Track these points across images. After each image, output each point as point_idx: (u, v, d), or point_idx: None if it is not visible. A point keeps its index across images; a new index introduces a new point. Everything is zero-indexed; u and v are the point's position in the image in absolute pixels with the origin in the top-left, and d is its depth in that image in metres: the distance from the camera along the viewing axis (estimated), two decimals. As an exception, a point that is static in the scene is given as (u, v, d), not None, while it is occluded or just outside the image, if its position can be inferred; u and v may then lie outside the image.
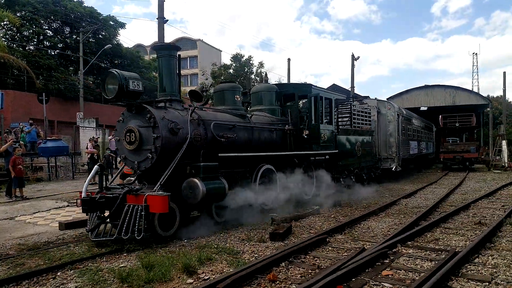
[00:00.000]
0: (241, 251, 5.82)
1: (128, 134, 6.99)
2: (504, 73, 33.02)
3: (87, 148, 16.35)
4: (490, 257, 5.42)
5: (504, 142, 28.21)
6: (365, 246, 6.17)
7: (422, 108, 33.92)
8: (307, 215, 8.76)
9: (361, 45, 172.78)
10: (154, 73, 33.41)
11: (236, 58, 33.77)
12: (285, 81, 34.26)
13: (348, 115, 13.77)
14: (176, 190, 6.80)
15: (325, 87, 17.25)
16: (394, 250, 5.90)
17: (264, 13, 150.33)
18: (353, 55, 31.03)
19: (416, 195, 12.74)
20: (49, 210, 10.16)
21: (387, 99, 32.36)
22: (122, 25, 34.72)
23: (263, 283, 4.54)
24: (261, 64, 32.75)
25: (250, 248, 6.02)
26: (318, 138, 11.00)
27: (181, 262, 4.98)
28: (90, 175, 7.20)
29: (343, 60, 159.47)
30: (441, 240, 6.60)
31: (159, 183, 6.47)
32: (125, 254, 5.82)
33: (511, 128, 46.07)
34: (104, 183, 7.10)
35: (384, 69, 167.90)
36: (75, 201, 7.15)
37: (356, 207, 10.30)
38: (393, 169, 17.18)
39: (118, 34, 34.48)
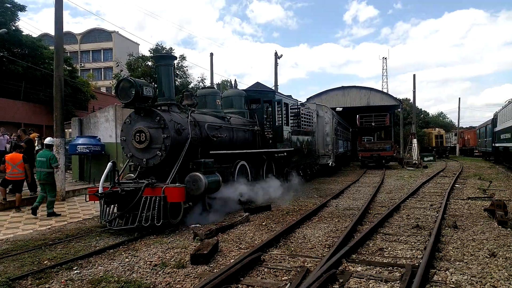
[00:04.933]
0: (152, 285, 4.39)
1: (138, 134, 7.73)
2: (414, 75, 35.04)
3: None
4: (447, 272, 4.70)
5: (415, 141, 29.87)
6: (306, 264, 5.16)
7: (338, 109, 34.74)
8: (236, 224, 7.58)
9: (280, 48, 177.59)
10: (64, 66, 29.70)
11: (156, 50, 31.47)
12: (208, 77, 33.08)
13: (294, 117, 15.23)
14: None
15: (247, 87, 18.86)
16: (340, 268, 4.97)
17: (186, 11, 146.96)
18: (276, 53, 30.62)
19: (344, 195, 12.34)
20: None
21: (307, 99, 32.69)
22: (22, 8, 30.23)
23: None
24: (182, 58, 30.85)
25: (164, 278, 4.60)
26: (282, 137, 12.65)
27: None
28: (105, 171, 7.53)
29: (264, 62, 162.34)
30: (385, 250, 5.85)
31: (171, 176, 7.47)
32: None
33: (417, 128, 49.71)
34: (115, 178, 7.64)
35: (302, 72, 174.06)
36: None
37: (288, 210, 9.41)
38: (329, 165, 19.34)
39: (17, 18, 30.00)
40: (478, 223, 7.47)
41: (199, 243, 5.91)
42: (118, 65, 32.63)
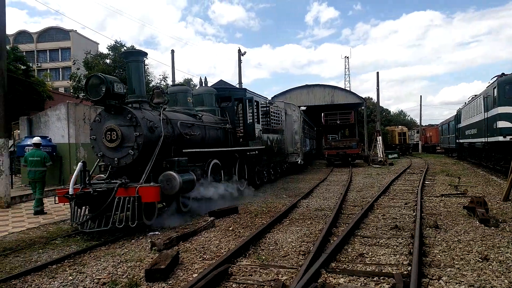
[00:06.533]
0: (94, 314, 3.57)
1: (109, 132, 7.45)
2: (378, 73, 35.72)
3: None
4: (441, 281, 4.15)
5: (379, 138, 29.99)
6: (280, 276, 4.48)
7: (302, 108, 34.58)
8: (200, 231, 6.80)
9: (244, 48, 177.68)
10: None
11: (115, 47, 29.88)
12: (170, 75, 31.88)
13: (264, 115, 14.99)
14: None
15: (210, 85, 17.76)
16: (320, 280, 4.32)
17: (148, 11, 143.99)
18: (239, 50, 29.83)
19: (314, 194, 11.83)
20: None
21: (272, 98, 32.25)
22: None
23: None
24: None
25: (111, 303, 3.80)
26: (254, 135, 12.69)
27: None
28: (75, 172, 7.29)
29: (228, 62, 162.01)
30: (367, 256, 5.27)
31: (144, 175, 7.16)
32: None
33: (381, 125, 50.52)
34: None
35: (265, 73, 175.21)
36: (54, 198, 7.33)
37: (256, 212, 8.74)
38: (298, 163, 19.38)
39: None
40: (459, 222, 7.07)
41: (157, 255, 5.10)
42: (74, 63, 30.69)
